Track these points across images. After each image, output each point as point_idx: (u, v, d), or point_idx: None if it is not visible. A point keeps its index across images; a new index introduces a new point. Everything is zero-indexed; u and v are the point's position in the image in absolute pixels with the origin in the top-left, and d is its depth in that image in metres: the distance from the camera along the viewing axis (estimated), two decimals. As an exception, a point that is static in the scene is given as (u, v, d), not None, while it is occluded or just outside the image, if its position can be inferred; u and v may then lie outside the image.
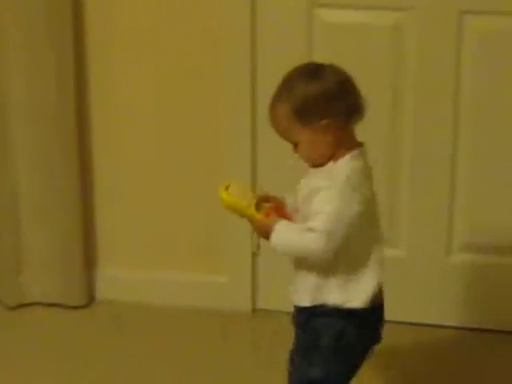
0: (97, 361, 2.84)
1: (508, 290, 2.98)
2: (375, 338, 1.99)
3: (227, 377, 2.73)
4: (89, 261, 3.23)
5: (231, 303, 3.13)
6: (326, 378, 1.95)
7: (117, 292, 3.22)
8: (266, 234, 1.90)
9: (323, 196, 1.85)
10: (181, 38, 3.03)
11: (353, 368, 1.98)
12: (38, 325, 3.12)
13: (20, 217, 3.27)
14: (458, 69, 2.75)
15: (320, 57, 2.56)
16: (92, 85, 3.10)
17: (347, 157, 1.85)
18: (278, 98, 1.87)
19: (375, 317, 1.97)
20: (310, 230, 1.83)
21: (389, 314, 1.99)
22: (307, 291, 1.96)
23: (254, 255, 3.03)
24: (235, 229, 2.88)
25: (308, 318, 1.99)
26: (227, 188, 1.93)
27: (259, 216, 1.93)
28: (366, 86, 2.40)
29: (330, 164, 1.88)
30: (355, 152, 1.85)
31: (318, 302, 1.92)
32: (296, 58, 2.57)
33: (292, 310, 1.98)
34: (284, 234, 1.93)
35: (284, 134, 1.88)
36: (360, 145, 1.88)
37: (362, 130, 1.83)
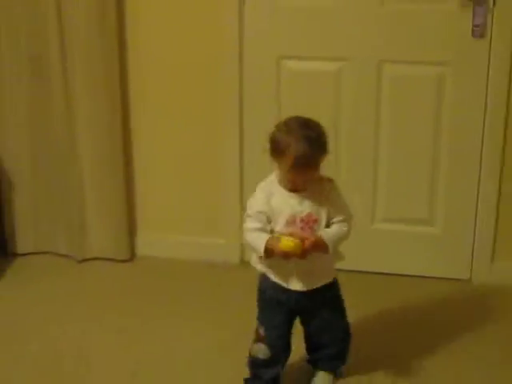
0: (137, 298, 3.37)
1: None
2: None
3: (225, 305, 3.26)
4: (131, 227, 3.75)
5: (226, 257, 3.67)
6: None
7: (150, 250, 3.76)
8: (322, 248, 2.25)
9: (337, 200, 2.38)
10: (189, 74, 3.42)
11: None
12: (96, 273, 3.67)
13: (85, 195, 3.67)
14: (379, 100, 3.25)
15: (286, 93, 3.26)
16: (131, 75, 3.47)
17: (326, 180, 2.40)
18: (318, 150, 2.22)
19: None
20: (343, 220, 2.33)
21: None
22: (331, 269, 2.44)
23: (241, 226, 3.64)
24: (229, 208, 3.53)
25: (330, 289, 2.47)
26: (280, 239, 2.21)
27: (308, 243, 2.19)
28: (316, 111, 2.97)
29: (318, 186, 2.35)
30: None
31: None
32: (269, 91, 3.25)
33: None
34: (333, 238, 2.33)
35: (312, 175, 2.27)
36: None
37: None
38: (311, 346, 2.67)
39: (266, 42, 3.39)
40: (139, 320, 3.20)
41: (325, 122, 2.99)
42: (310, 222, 2.32)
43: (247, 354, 2.62)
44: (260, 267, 2.42)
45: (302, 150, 2.17)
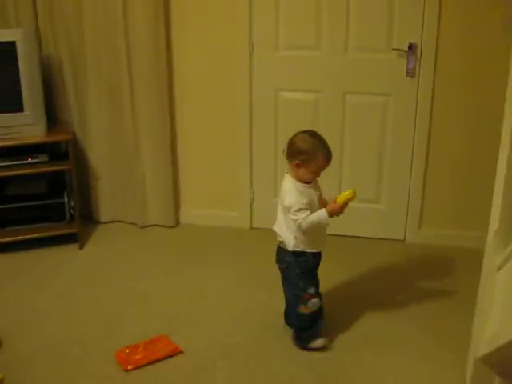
0: (180, 252, 3.81)
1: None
2: None
3: (239, 257, 3.71)
4: (176, 203, 4.18)
5: (239, 224, 4.13)
6: None
7: (189, 219, 4.22)
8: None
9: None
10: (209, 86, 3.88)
11: None
12: (153, 235, 4.11)
13: (145, 182, 4.05)
14: (343, 119, 3.74)
15: (281, 113, 3.80)
16: (176, 74, 3.89)
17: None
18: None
19: None
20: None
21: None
22: None
23: (251, 202, 4.03)
24: (242, 191, 4.01)
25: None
26: (338, 197, 2.64)
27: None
28: (301, 126, 3.40)
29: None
30: None
31: None
32: (270, 112, 3.79)
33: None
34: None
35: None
36: None
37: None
38: None
39: (268, 79, 3.81)
40: (182, 266, 3.63)
41: None
42: (321, 199, 2.76)
43: (255, 286, 3.17)
44: (301, 248, 2.67)
45: (328, 152, 2.62)
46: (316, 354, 2.73)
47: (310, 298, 2.74)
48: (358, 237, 3.92)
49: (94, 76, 3.87)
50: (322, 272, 3.00)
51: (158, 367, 2.64)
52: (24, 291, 3.29)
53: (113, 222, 4.19)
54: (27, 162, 3.62)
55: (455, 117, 3.59)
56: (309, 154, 2.61)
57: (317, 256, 2.76)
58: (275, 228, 2.80)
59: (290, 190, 2.66)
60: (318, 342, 2.79)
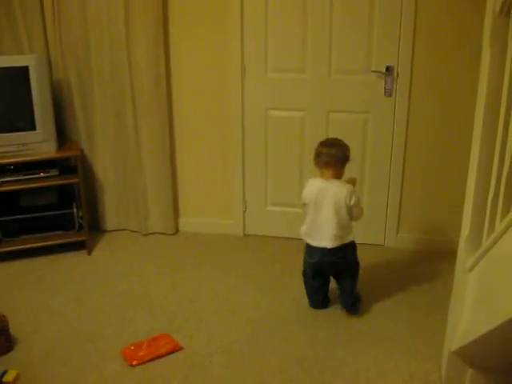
0: (180, 257, 3.80)
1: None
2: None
3: (233, 261, 3.71)
4: (176, 212, 4.17)
5: (233, 232, 4.12)
6: None
7: (187, 227, 4.21)
8: None
9: None
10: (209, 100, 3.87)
11: None
12: (154, 242, 4.08)
13: (147, 193, 4.05)
14: (327, 136, 3.57)
15: (271, 130, 3.80)
16: (174, 88, 3.89)
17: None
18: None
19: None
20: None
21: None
22: None
23: (244, 211, 4.02)
24: (236, 202, 3.99)
25: None
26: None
27: None
28: (288, 141, 3.66)
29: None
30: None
31: None
32: (260, 128, 3.79)
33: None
34: None
35: None
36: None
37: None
38: None
39: (258, 98, 3.82)
40: (181, 270, 3.64)
41: (295, 148, 3.73)
42: None
43: (249, 287, 3.22)
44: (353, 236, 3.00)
45: None
46: (305, 349, 2.74)
47: None
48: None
49: (100, 98, 3.88)
50: None
51: (161, 363, 2.66)
52: (37, 293, 3.29)
53: (117, 230, 4.17)
54: (39, 176, 3.62)
55: (428, 132, 3.62)
56: (348, 157, 2.93)
57: None
58: (333, 231, 2.87)
59: (351, 190, 2.89)
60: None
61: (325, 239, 2.90)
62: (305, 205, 2.97)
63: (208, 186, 4.08)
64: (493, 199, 1.98)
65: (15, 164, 3.57)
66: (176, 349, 2.74)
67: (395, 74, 3.52)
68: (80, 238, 3.79)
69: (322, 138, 3.58)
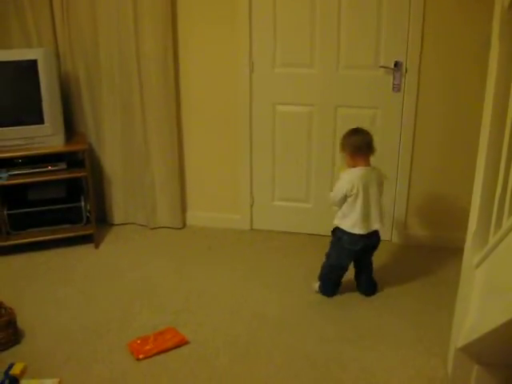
0: (186, 251, 3.82)
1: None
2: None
3: (240, 254, 3.73)
4: (183, 207, 4.18)
5: (240, 226, 4.13)
6: None
7: (195, 221, 4.21)
8: None
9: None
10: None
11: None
12: (161, 236, 4.10)
13: (155, 186, 4.06)
14: (335, 130, 3.70)
15: (278, 125, 3.79)
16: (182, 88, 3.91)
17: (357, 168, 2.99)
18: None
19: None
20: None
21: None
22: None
23: (251, 206, 4.03)
24: (243, 197, 4.00)
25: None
26: None
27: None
28: (296, 137, 3.67)
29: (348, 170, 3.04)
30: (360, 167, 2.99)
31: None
32: (268, 123, 3.79)
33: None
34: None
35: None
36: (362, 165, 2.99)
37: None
38: None
39: (266, 94, 3.82)
40: (188, 264, 3.65)
41: (301, 143, 3.73)
42: None
43: (255, 281, 3.24)
44: None
45: None
46: (311, 345, 2.75)
47: None
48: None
49: (108, 91, 3.89)
50: (315, 270, 3.12)
51: (167, 356, 2.67)
52: (45, 286, 3.32)
53: (125, 223, 4.19)
54: (47, 169, 3.64)
55: (436, 127, 3.60)
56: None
57: None
58: (379, 212, 3.03)
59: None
60: None
61: (374, 222, 3.04)
62: (346, 197, 2.97)
63: (215, 181, 4.08)
64: (500, 196, 1.98)
65: (23, 157, 3.59)
66: (182, 343, 2.75)
67: (404, 70, 3.51)
68: (88, 232, 3.80)
69: (330, 133, 3.75)
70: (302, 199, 3.93)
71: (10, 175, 3.57)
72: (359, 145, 2.95)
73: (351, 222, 3.00)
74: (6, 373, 2.49)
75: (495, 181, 2.08)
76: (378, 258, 3.57)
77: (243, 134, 3.91)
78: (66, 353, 2.69)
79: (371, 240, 3.07)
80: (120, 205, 4.16)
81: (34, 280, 3.39)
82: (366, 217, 2.99)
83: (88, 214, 3.81)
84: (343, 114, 3.73)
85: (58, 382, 2.47)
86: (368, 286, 3.21)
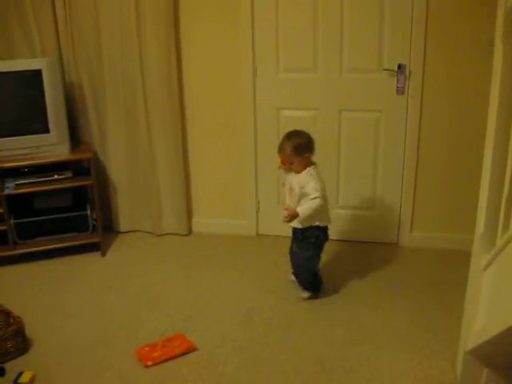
0: (192, 257, 3.81)
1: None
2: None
3: (245, 260, 3.72)
4: (189, 213, 4.19)
5: (247, 232, 4.13)
6: None
7: (201, 228, 4.21)
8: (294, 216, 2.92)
9: (310, 184, 2.91)
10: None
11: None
12: (168, 243, 4.10)
13: (160, 194, 4.06)
14: (339, 134, 3.75)
15: (282, 129, 3.63)
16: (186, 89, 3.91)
17: (310, 168, 2.95)
18: (285, 142, 2.95)
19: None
20: (314, 198, 2.90)
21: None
22: (302, 222, 2.99)
23: (257, 211, 4.04)
24: (248, 203, 4.00)
25: (303, 232, 3.06)
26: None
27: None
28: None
29: (305, 171, 2.96)
30: (313, 166, 2.96)
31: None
32: (272, 128, 3.79)
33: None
34: (304, 210, 2.93)
35: (287, 159, 2.96)
36: (314, 163, 3.00)
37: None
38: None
39: (270, 98, 3.83)
40: (195, 270, 3.66)
41: None
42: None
43: (262, 287, 3.25)
44: None
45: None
46: (319, 350, 2.74)
47: None
48: (355, 241, 3.92)
49: (112, 99, 3.90)
50: (325, 273, 3.13)
51: (175, 363, 2.67)
52: (52, 295, 3.32)
53: (131, 231, 4.20)
54: (53, 178, 3.65)
55: (441, 129, 3.60)
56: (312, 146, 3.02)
57: None
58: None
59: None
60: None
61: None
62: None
63: (221, 187, 4.08)
64: (507, 197, 1.97)
65: (29, 167, 3.60)
66: (190, 349, 2.75)
67: (407, 72, 3.50)
68: (94, 240, 3.81)
69: (335, 136, 3.77)
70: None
71: (17, 185, 3.57)
72: (314, 144, 3.00)
73: (325, 216, 3.06)
74: (15, 381, 2.50)
75: (502, 182, 2.07)
76: (385, 261, 3.62)
77: (248, 139, 3.91)
78: (74, 361, 2.69)
79: None
80: (126, 212, 4.16)
81: (42, 289, 3.39)
82: (328, 210, 3.10)
83: (94, 222, 3.82)
84: (347, 118, 3.74)
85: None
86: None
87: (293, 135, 2.98)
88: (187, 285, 3.44)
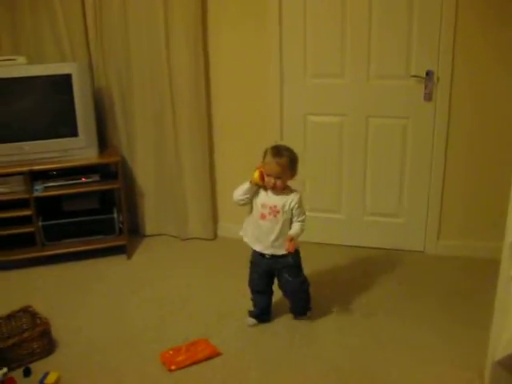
0: (217, 261, 3.80)
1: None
2: None
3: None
4: (214, 218, 4.18)
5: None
6: None
7: (228, 232, 4.11)
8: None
9: (302, 205, 2.82)
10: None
11: None
12: (193, 247, 4.09)
13: (186, 199, 4.05)
14: (366, 140, 3.70)
15: (309, 135, 3.77)
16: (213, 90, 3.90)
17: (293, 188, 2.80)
18: (282, 152, 2.73)
19: None
20: (301, 220, 2.81)
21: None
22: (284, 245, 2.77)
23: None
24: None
25: (293, 256, 2.84)
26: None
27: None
28: (327, 147, 3.65)
29: (294, 192, 2.79)
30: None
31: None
32: (299, 134, 3.76)
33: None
34: (298, 233, 2.79)
35: (276, 173, 2.72)
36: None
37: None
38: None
39: (297, 104, 3.80)
40: (220, 275, 3.62)
41: (332, 153, 3.70)
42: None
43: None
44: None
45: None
46: (341, 359, 2.70)
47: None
48: (381, 248, 3.86)
49: (140, 104, 3.92)
50: (349, 281, 3.09)
51: (199, 368, 2.66)
52: (78, 297, 3.34)
53: (157, 235, 4.20)
54: (81, 181, 3.69)
55: (470, 136, 3.55)
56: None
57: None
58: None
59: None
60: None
61: None
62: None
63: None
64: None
65: (58, 169, 3.65)
66: (214, 354, 2.74)
67: (435, 79, 3.46)
68: (120, 243, 3.83)
69: (362, 142, 3.74)
70: (334, 210, 3.90)
71: (46, 187, 3.62)
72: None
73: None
74: (41, 382, 2.53)
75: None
76: (411, 269, 3.57)
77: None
78: (99, 362, 2.71)
79: None
80: (152, 216, 4.17)
81: (68, 290, 3.42)
82: None
83: (121, 225, 3.84)
84: (375, 124, 3.71)
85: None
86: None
87: (287, 148, 2.77)
88: (212, 289, 3.43)
